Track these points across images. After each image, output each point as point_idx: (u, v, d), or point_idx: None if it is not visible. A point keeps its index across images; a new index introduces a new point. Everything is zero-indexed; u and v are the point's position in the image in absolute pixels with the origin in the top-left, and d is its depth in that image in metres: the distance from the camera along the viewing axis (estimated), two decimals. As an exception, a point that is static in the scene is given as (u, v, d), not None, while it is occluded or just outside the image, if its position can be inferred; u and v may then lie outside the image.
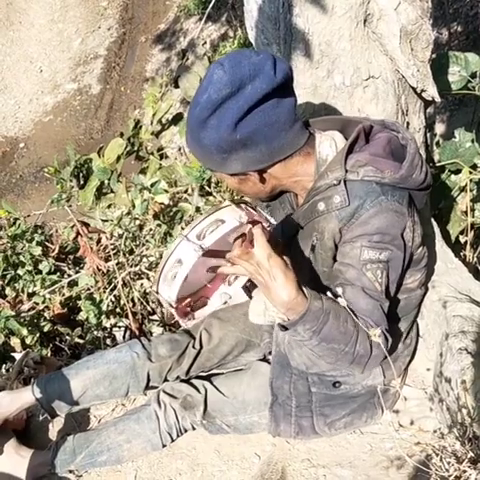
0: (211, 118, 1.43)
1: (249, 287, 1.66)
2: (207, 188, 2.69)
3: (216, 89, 1.40)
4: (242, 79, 1.39)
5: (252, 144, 1.46)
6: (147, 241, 2.71)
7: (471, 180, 2.19)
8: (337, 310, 1.44)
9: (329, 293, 1.45)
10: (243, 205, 1.40)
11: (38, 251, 2.79)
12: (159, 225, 2.66)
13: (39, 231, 2.98)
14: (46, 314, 2.67)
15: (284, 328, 1.48)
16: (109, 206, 2.85)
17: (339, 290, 1.47)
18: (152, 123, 2.95)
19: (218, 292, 1.58)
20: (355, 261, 1.49)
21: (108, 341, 2.63)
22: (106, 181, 2.81)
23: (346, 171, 1.50)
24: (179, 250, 1.37)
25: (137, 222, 2.74)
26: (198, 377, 2.02)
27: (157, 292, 1.43)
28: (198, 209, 2.64)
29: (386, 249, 1.50)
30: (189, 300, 1.53)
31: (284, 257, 1.41)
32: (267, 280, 1.40)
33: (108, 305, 2.59)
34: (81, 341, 2.62)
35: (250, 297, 1.90)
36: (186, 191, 2.71)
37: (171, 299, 1.41)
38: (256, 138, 1.45)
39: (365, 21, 1.73)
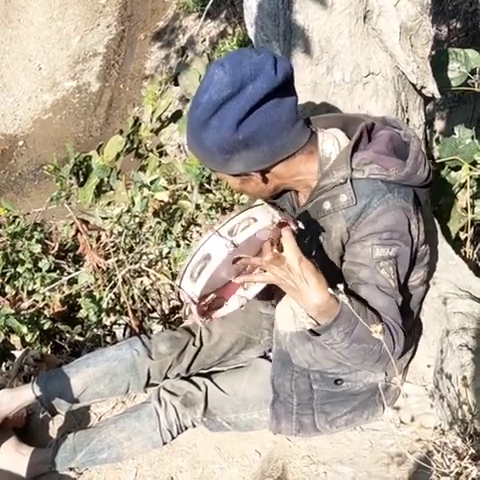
0: (212, 119, 1.42)
1: (264, 292, 1.63)
2: (207, 185, 2.69)
3: (217, 90, 1.39)
4: (243, 79, 1.39)
5: (254, 144, 1.45)
6: (147, 239, 2.70)
7: (471, 177, 2.19)
8: (365, 310, 1.44)
9: (330, 289, 1.44)
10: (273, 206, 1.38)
11: (38, 249, 2.79)
12: (159, 222, 2.66)
13: (38, 229, 2.97)
14: (46, 312, 2.67)
15: (314, 333, 1.47)
16: (109, 204, 2.85)
17: (353, 289, 1.48)
18: (151, 120, 2.94)
19: (236, 294, 1.55)
20: (367, 260, 1.49)
21: (108, 339, 2.63)
22: (105, 179, 2.81)
23: (352, 169, 1.50)
24: (209, 245, 1.33)
25: (137, 219, 2.74)
26: (198, 374, 2.03)
27: (179, 286, 1.38)
28: (198, 206, 2.64)
29: (395, 245, 1.50)
30: (209, 299, 1.49)
31: (312, 260, 1.39)
32: (298, 284, 1.38)
33: (108, 303, 2.59)
34: (81, 339, 2.62)
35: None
36: (186, 188, 2.71)
37: (195, 294, 1.36)
38: (258, 138, 1.44)
39: (365, 17, 1.73)
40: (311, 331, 1.47)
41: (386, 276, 1.50)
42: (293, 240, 1.36)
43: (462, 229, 2.28)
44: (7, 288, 2.74)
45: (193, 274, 1.35)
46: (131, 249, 2.72)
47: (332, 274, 1.58)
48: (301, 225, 1.38)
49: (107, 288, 2.60)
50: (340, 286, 1.41)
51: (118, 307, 2.67)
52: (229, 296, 1.53)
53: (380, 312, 1.48)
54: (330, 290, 1.41)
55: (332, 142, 1.56)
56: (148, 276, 2.72)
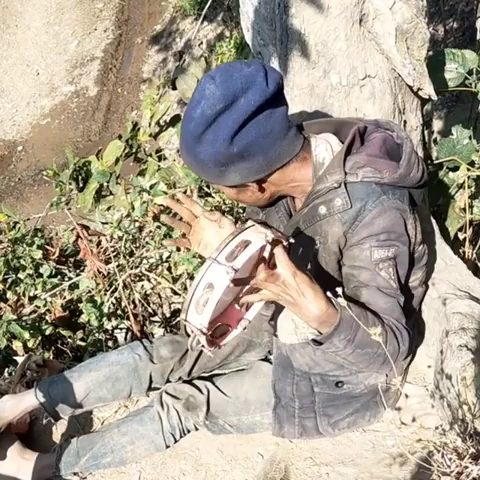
0: (206, 133, 1.42)
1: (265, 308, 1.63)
2: (206, 189, 2.70)
3: (210, 104, 1.40)
4: (235, 93, 1.39)
5: (249, 156, 1.46)
6: (147, 243, 2.71)
7: (469, 177, 2.19)
8: (365, 314, 1.44)
9: (329, 293, 1.45)
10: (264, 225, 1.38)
11: (38, 254, 2.80)
12: (159, 227, 2.67)
13: (39, 234, 2.98)
14: (47, 317, 2.68)
15: (317, 343, 1.47)
16: (108, 208, 2.85)
17: (355, 292, 1.49)
18: (150, 125, 2.95)
19: (238, 318, 1.55)
20: (367, 263, 1.50)
21: (110, 343, 2.64)
22: (105, 183, 2.81)
23: (345, 173, 1.50)
24: (209, 274, 1.32)
25: (137, 224, 2.75)
26: (200, 378, 2.03)
27: (186, 320, 1.37)
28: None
29: (393, 246, 1.51)
30: (214, 328, 1.49)
31: (307, 272, 1.39)
32: (296, 297, 1.38)
33: (109, 307, 2.60)
34: (83, 344, 2.63)
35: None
36: (185, 192, 2.72)
37: (203, 325, 1.36)
38: (253, 150, 1.45)
39: (361, 21, 1.73)
40: (314, 340, 1.48)
41: (386, 277, 1.50)
42: (285, 256, 1.35)
43: (461, 229, 2.28)
44: (9, 294, 2.75)
45: (198, 306, 1.35)
46: (131, 253, 2.73)
47: (330, 279, 1.59)
48: (292, 240, 1.39)
49: (108, 293, 2.61)
50: (339, 289, 1.42)
51: (119, 311, 2.68)
52: (231, 320, 1.53)
53: (383, 314, 1.48)
54: (329, 294, 1.42)
55: (325, 147, 1.56)
56: (149, 280, 2.73)
